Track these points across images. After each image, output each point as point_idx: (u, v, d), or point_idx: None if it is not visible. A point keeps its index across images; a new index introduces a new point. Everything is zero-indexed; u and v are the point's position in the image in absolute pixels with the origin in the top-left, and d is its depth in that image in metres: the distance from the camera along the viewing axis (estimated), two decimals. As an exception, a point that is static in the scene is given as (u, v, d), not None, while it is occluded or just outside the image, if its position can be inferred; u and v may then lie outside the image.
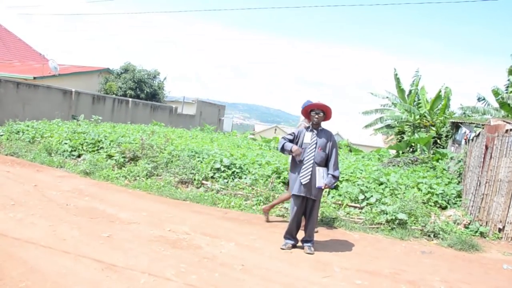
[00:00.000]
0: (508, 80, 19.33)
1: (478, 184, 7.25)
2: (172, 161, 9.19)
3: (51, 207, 6.33)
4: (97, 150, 10.61)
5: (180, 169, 8.76)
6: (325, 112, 5.54)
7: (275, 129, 57.30)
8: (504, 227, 6.94)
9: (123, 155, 9.65)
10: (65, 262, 4.30)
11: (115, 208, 6.69)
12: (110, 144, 10.60)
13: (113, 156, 9.78)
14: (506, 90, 19.26)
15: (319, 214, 6.70)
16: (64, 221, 5.68)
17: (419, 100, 24.81)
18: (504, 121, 9.24)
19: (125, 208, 6.73)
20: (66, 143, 10.90)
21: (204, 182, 8.52)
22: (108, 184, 8.56)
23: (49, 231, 5.20)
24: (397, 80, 25.72)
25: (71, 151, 10.67)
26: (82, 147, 10.77)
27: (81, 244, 4.88)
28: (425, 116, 22.79)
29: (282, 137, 5.74)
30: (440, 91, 23.64)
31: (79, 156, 10.53)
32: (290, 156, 5.71)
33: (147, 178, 8.80)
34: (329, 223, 6.99)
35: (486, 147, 7.25)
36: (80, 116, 16.20)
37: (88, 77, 25.31)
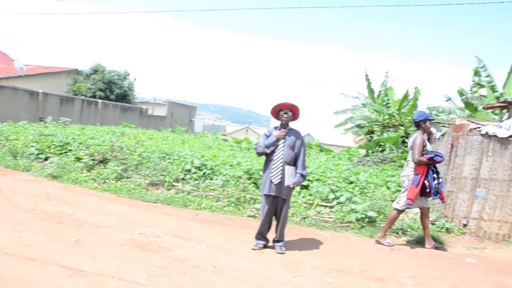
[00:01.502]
0: (473, 80, 19.92)
1: (444, 181, 7.44)
2: (142, 163, 9.08)
3: (17, 212, 6.16)
4: (65, 152, 10.39)
5: (151, 171, 8.67)
6: (294, 112, 5.59)
7: (247, 130, 57.29)
8: (468, 222, 7.16)
9: (92, 158, 9.48)
10: (31, 269, 4.19)
11: (84, 211, 6.56)
12: (78, 147, 10.40)
13: (81, 159, 9.60)
14: (471, 90, 19.84)
15: (289, 214, 6.76)
16: (30, 226, 5.53)
17: (388, 100, 25.29)
18: (468, 120, 9.50)
19: (94, 212, 6.62)
20: (32, 146, 10.64)
21: (174, 183, 8.46)
22: (76, 187, 8.39)
23: (14, 237, 5.05)
24: (368, 81, 26.15)
25: (38, 154, 10.41)
26: (49, 150, 10.53)
27: (48, 249, 4.77)
28: (393, 116, 23.22)
29: (257, 143, 5.72)
30: (407, 92, 24.13)
31: (46, 159, 10.29)
32: (264, 157, 5.71)
33: (117, 181, 8.67)
34: (300, 222, 7.05)
35: (452, 146, 7.45)
36: (47, 118, 15.86)
37: (55, 78, 24.78)
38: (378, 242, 6.32)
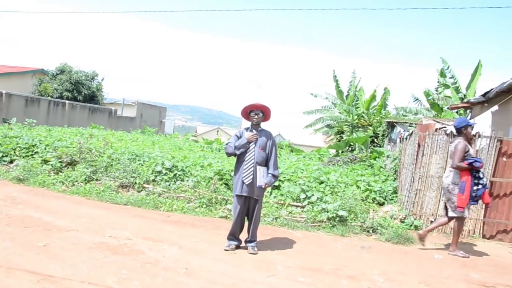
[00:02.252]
0: (438, 81, 20.48)
1: (412, 180, 7.63)
2: (112, 165, 8.94)
3: (-19, 217, 5.97)
4: (32, 155, 10.13)
5: (121, 172, 8.55)
6: (264, 113, 5.62)
7: (217, 131, 57.19)
8: (435, 220, 7.35)
9: (59, 160, 9.27)
10: (-4, 275, 4.07)
11: (52, 215, 6.40)
12: (45, 149, 10.15)
13: (49, 161, 9.38)
14: (436, 91, 20.39)
15: (261, 214, 6.78)
16: (-5, 231, 5.37)
17: (357, 101, 25.74)
18: (434, 120, 9.75)
19: (63, 215, 6.47)
20: (-4, 149, 10.32)
21: (145, 185, 8.36)
22: (44, 190, 8.18)
23: (-22, 243, 4.89)
24: (336, 82, 26.52)
25: (2, 156, 10.12)
26: (14, 152, 10.24)
27: (14, 255, 4.63)
28: (362, 116, 23.61)
29: (227, 143, 5.72)
30: (375, 92, 24.60)
31: (11, 162, 10.00)
32: (236, 158, 5.71)
33: (86, 183, 8.51)
34: (272, 222, 7.08)
35: (419, 145, 7.65)
36: (12, 119, 15.40)
37: (20, 78, 24.11)
38: (454, 255, 6.17)
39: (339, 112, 26.05)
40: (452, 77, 19.58)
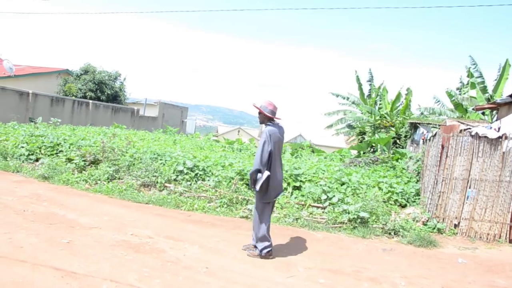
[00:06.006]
0: (461, 82, 20.07)
1: (435, 182, 7.50)
2: (134, 164, 9.04)
3: (7, 214, 6.10)
4: (56, 153, 10.33)
5: (143, 172, 8.64)
6: (260, 111, 5.40)
7: (238, 131, 57.34)
8: (459, 223, 7.21)
9: (83, 159, 9.42)
10: (21, 271, 4.15)
11: (75, 213, 6.52)
12: (69, 148, 10.34)
13: (73, 160, 9.54)
14: (460, 91, 19.99)
15: (282, 215, 6.73)
16: (21, 228, 5.48)
17: (380, 101, 25.49)
18: (458, 121, 9.56)
19: (86, 213, 6.58)
20: (23, 147, 10.56)
21: (167, 184, 8.43)
22: (68, 188, 8.33)
23: (4, 239, 5.00)
24: (358, 82, 26.32)
25: (28, 155, 10.33)
26: (40, 151, 10.46)
27: (39, 251, 4.73)
28: (385, 117, 23.34)
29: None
30: (399, 93, 24.31)
31: (37, 160, 10.22)
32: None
33: (108, 182, 8.62)
34: (293, 223, 7.05)
35: (442, 147, 7.50)
36: (37, 118, 15.74)
37: (46, 78, 24.60)
38: None
39: (361, 113, 25.85)
40: (480, 76, 19.17)
